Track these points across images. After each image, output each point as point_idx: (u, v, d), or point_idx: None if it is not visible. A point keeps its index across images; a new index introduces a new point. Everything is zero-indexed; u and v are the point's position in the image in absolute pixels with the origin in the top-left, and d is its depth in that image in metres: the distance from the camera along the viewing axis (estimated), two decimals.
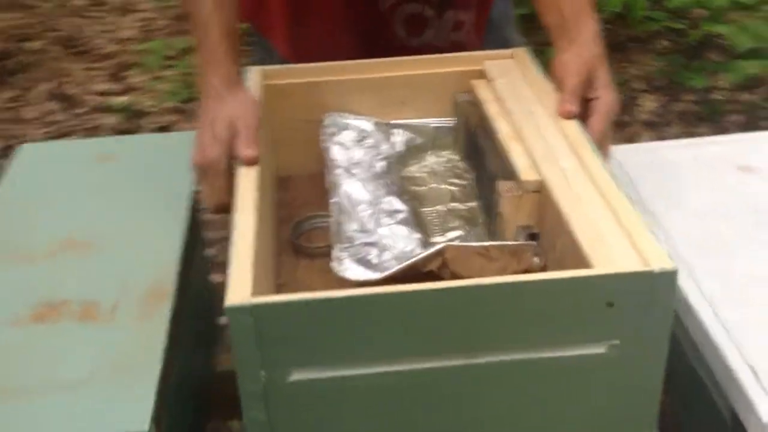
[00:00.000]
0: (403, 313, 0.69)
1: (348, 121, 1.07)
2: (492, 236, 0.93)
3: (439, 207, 1.01)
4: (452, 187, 1.04)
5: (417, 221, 0.95)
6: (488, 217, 0.97)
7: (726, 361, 0.83)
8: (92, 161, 1.18)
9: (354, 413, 0.72)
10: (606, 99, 0.95)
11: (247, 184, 0.86)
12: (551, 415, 0.74)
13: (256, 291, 0.68)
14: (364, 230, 0.92)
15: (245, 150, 0.90)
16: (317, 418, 0.72)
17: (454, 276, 0.86)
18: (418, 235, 0.92)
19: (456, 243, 0.85)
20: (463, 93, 1.07)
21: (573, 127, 0.92)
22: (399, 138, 1.08)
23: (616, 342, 0.71)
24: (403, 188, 1.01)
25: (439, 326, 0.70)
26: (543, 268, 0.86)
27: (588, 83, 0.95)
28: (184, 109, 2.59)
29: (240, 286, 0.69)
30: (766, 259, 0.95)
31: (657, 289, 0.69)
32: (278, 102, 1.05)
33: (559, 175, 0.84)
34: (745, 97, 2.58)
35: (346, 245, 0.88)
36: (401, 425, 0.73)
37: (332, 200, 0.93)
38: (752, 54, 2.34)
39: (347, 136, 1.05)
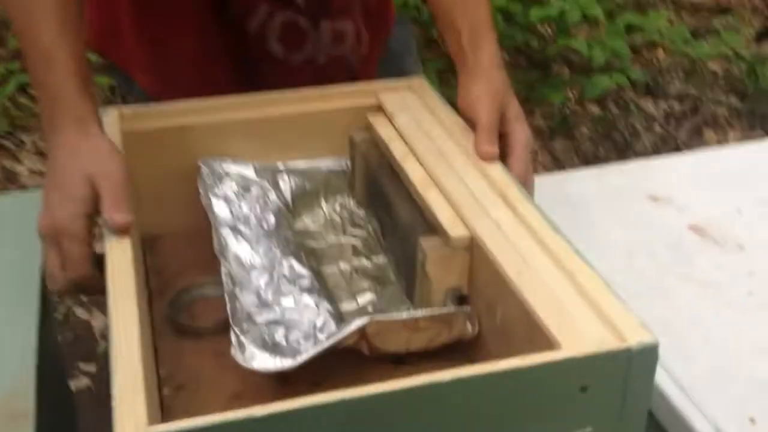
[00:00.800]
0: (343, 425, 0.55)
1: (227, 167, 0.91)
2: (411, 298, 0.81)
3: (342, 265, 0.87)
4: (353, 239, 0.91)
5: (321, 286, 0.81)
6: (400, 275, 0.84)
7: (687, 422, 0.74)
8: None
9: None
10: (521, 134, 0.85)
11: (120, 257, 0.70)
12: None
13: (153, 417, 0.53)
14: (263, 304, 0.77)
15: (115, 214, 0.73)
16: None
17: (373, 350, 0.73)
18: (327, 305, 0.78)
19: (380, 316, 0.72)
20: (360, 130, 0.94)
21: (495, 168, 0.81)
22: (286, 185, 0.94)
23: (589, 430, 0.60)
24: (299, 246, 0.87)
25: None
26: (476, 336, 0.74)
27: (500, 118, 0.85)
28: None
29: (130, 413, 0.53)
30: (695, 299, 0.88)
31: (636, 366, 0.59)
32: (140, 149, 0.88)
33: (491, 228, 0.73)
34: (595, 110, 2.59)
35: (246, 326, 0.73)
36: None
37: (222, 269, 0.78)
38: (606, 68, 2.35)
39: (229, 187, 0.89)
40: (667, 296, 0.88)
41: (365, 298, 0.83)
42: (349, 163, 0.96)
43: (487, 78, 0.87)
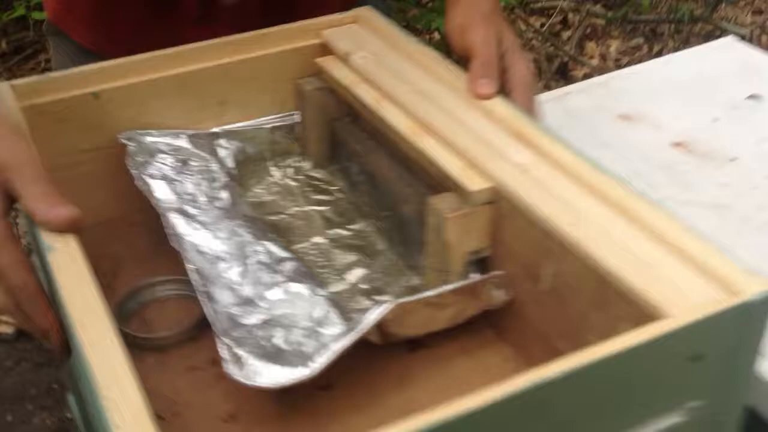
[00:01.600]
0: None
1: (156, 139, 0.75)
2: (414, 267, 0.68)
3: (316, 240, 0.74)
4: (319, 208, 0.77)
5: (304, 267, 0.67)
6: (393, 243, 0.71)
7: None
8: None
9: None
10: (521, 68, 0.73)
11: (70, 265, 0.54)
12: None
13: None
14: (244, 301, 0.62)
15: (56, 209, 0.56)
16: None
17: (387, 337, 0.60)
18: (320, 291, 0.64)
19: (403, 300, 0.58)
20: (309, 78, 0.79)
21: (498, 104, 0.68)
22: (226, 152, 0.79)
23: (698, 404, 0.50)
24: (265, 223, 0.72)
25: None
26: (509, 303, 0.63)
27: (499, 52, 0.72)
28: None
29: None
30: (707, 225, 0.79)
31: (752, 321, 0.49)
32: (43, 127, 0.71)
33: (516, 174, 0.61)
34: None
35: (235, 333, 0.58)
36: None
37: (187, 265, 0.62)
38: None
39: (164, 163, 0.73)
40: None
41: (355, 274, 0.70)
42: (297, 118, 0.81)
43: (480, 3, 0.74)
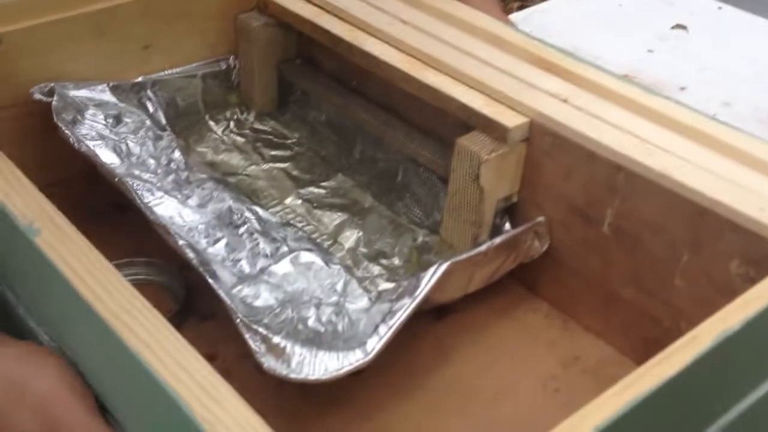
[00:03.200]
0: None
1: (76, 93, 0.60)
2: (420, 219, 0.59)
3: (290, 201, 0.62)
4: (282, 164, 0.66)
5: (300, 233, 0.56)
6: (384, 192, 0.62)
7: None
8: None
9: None
10: None
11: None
12: None
13: None
14: (247, 278, 0.50)
15: None
16: None
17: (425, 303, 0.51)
18: (335, 260, 0.53)
19: (456, 258, 0.49)
20: (251, 13, 0.67)
21: (507, 31, 0.60)
22: (155, 105, 0.65)
23: None
24: (228, 186, 0.60)
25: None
26: (543, 254, 0.55)
27: None
28: None
29: None
30: None
31: None
32: None
33: (555, 105, 0.53)
34: None
35: (264, 318, 0.47)
36: None
37: (180, 241, 0.49)
38: None
39: (99, 119, 0.59)
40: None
41: (349, 236, 0.59)
42: (234, 62, 0.69)
43: None
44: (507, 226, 0.55)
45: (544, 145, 0.52)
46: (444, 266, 0.47)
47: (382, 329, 0.45)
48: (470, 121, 0.54)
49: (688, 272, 0.47)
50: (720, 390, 0.39)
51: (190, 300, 0.55)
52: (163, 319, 0.39)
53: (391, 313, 0.46)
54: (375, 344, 0.45)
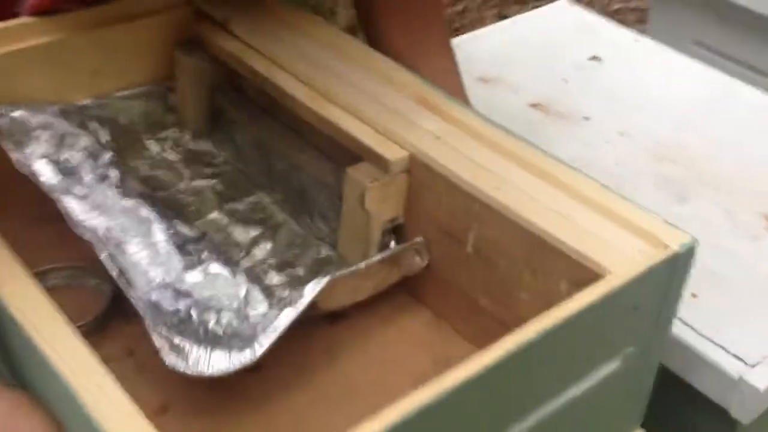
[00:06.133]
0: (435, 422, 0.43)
1: (25, 115, 0.69)
2: (323, 238, 0.68)
3: (212, 216, 0.71)
4: (209, 181, 0.74)
5: (213, 245, 0.65)
6: (296, 213, 0.70)
7: None
8: None
9: None
10: None
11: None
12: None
13: None
14: (163, 286, 0.59)
15: None
16: None
17: (312, 311, 0.60)
18: (239, 269, 0.62)
19: (339, 274, 0.58)
20: (187, 45, 0.75)
21: (401, 71, 0.69)
22: (97, 126, 0.74)
23: (631, 349, 0.54)
24: (155, 200, 0.69)
25: (468, 415, 0.46)
26: (425, 267, 0.64)
27: None
28: None
29: None
30: None
31: (678, 270, 0.53)
32: None
33: (431, 141, 0.62)
34: None
35: (169, 320, 0.56)
36: None
37: (101, 253, 0.58)
38: None
39: (42, 140, 0.67)
40: None
41: (261, 249, 0.68)
42: (170, 88, 0.77)
43: None
44: (392, 244, 0.64)
45: (421, 176, 0.61)
46: (324, 281, 0.56)
47: (270, 333, 0.54)
48: (358, 151, 0.62)
49: (529, 288, 0.56)
50: (519, 394, 0.48)
51: (118, 303, 0.63)
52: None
53: (279, 319, 0.55)
54: (263, 345, 0.54)
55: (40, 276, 0.64)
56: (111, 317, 0.63)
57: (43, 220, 0.65)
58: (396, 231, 0.65)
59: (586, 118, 0.93)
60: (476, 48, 1.04)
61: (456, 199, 0.59)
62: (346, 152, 0.64)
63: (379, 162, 0.61)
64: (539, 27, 1.09)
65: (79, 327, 0.60)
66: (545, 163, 0.59)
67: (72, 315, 0.61)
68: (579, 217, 0.55)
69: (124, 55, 0.74)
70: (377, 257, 0.60)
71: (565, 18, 1.11)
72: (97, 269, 0.63)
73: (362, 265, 0.59)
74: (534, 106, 0.95)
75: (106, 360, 0.60)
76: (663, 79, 1.00)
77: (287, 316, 0.55)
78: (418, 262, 0.63)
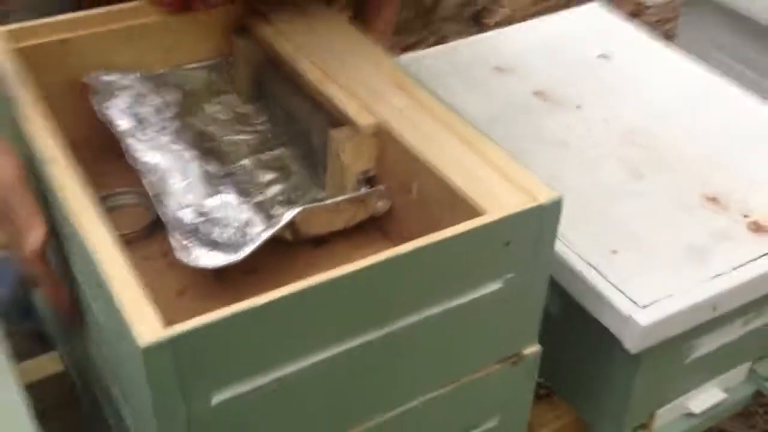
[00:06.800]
0: (320, 304, 0.64)
1: (114, 79, 0.93)
2: (320, 184, 0.89)
3: (243, 162, 0.93)
4: (245, 137, 0.97)
5: (233, 183, 0.87)
6: (304, 165, 0.91)
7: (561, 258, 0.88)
8: None
9: (280, 415, 0.66)
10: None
11: (66, 183, 0.71)
12: (458, 348, 0.74)
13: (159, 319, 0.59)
14: (188, 207, 0.82)
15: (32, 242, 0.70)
16: None
17: (297, 235, 0.81)
18: (246, 200, 0.84)
19: (309, 206, 0.79)
20: (241, 31, 0.97)
21: (388, 61, 0.89)
22: (170, 89, 0.97)
23: (511, 275, 0.72)
24: (202, 148, 0.92)
25: (353, 307, 0.66)
26: (389, 210, 0.84)
27: None
28: None
29: (143, 319, 0.58)
30: (550, 158, 1.01)
31: (548, 219, 0.71)
32: (28, 66, 0.88)
33: (395, 114, 0.81)
34: None
35: (184, 229, 0.78)
36: (330, 408, 0.69)
37: (143, 179, 0.81)
38: None
39: (122, 98, 0.91)
40: (527, 158, 1.01)
41: (274, 188, 0.90)
42: (229, 63, 1.00)
43: None
44: (363, 190, 0.84)
45: (384, 139, 0.81)
46: (295, 211, 0.77)
47: (251, 244, 0.76)
48: (343, 119, 0.83)
49: (444, 222, 0.75)
50: (409, 292, 0.67)
51: (160, 220, 0.86)
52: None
53: (260, 235, 0.77)
54: (245, 252, 0.75)
55: (115, 196, 0.89)
56: (154, 230, 0.86)
57: (112, 158, 0.89)
58: (370, 182, 0.85)
59: (578, 107, 1.10)
60: (501, 42, 1.22)
61: (406, 159, 0.79)
62: (335, 119, 0.84)
63: (354, 126, 0.81)
64: (563, 26, 1.26)
65: (129, 234, 0.84)
66: (471, 135, 0.78)
67: (125, 226, 0.86)
68: (483, 174, 0.74)
69: (193, 36, 0.97)
70: (345, 197, 0.81)
71: (589, 19, 1.27)
72: (147, 195, 0.87)
73: (330, 201, 0.80)
74: (536, 93, 1.12)
75: (146, 258, 0.84)
76: (658, 76, 1.15)
77: (267, 232, 0.76)
78: (383, 205, 0.83)
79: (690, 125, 1.07)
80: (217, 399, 0.62)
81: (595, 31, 1.24)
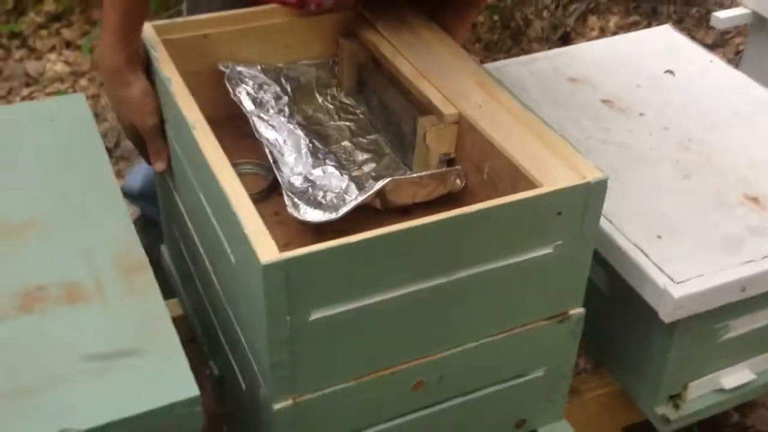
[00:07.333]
0: (402, 248, 0.80)
1: (242, 69, 1.11)
2: (407, 164, 1.05)
3: (344, 143, 1.10)
4: (347, 123, 1.14)
5: (336, 159, 1.04)
6: (395, 148, 1.08)
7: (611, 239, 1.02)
8: None
9: (361, 337, 0.82)
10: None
11: (208, 144, 0.90)
12: (512, 301, 0.89)
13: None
14: (299, 174, 0.99)
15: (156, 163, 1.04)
16: (331, 348, 0.81)
17: (385, 204, 0.97)
18: (346, 173, 1.01)
19: (397, 177, 0.96)
20: (348, 35, 1.15)
21: (471, 62, 1.04)
22: (287, 81, 1.15)
23: (560, 242, 0.87)
24: (310, 129, 1.09)
25: (428, 253, 0.81)
26: (464, 188, 0.99)
27: None
28: None
29: (264, 244, 0.76)
30: (612, 156, 1.15)
31: (594, 195, 0.86)
32: (171, 54, 1.07)
33: (474, 107, 0.97)
34: None
35: (296, 191, 0.96)
36: (401, 338, 0.85)
37: (266, 149, 0.99)
38: None
39: (250, 85, 1.10)
40: (592, 156, 1.15)
41: (368, 166, 1.07)
42: (335, 62, 1.17)
43: None
44: (443, 168, 1.00)
45: (464, 127, 0.97)
46: (386, 180, 0.93)
47: (346, 206, 0.92)
48: (430, 108, 0.99)
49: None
50: (471, 246, 0.83)
51: (277, 185, 1.04)
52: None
53: (355, 199, 0.93)
54: (340, 212, 0.92)
55: (235, 165, 1.07)
56: (271, 193, 1.03)
57: (241, 134, 1.07)
58: (450, 163, 1.01)
59: (641, 114, 1.23)
60: (576, 55, 1.36)
61: (480, 144, 0.94)
62: (424, 109, 1.01)
63: (439, 115, 0.98)
64: (635, 43, 1.39)
65: (251, 195, 1.02)
66: (537, 125, 0.93)
67: (248, 187, 1.03)
68: (542, 156, 0.89)
69: (310, 36, 1.15)
70: (427, 172, 0.97)
71: (660, 39, 1.40)
72: (268, 164, 1.05)
73: (414, 175, 0.96)
74: (605, 101, 1.26)
75: (262, 216, 1.01)
76: (717, 92, 1.27)
77: (359, 198, 0.93)
78: (459, 183, 0.99)
79: (741, 137, 1.19)
80: (314, 316, 0.78)
81: (664, 50, 1.37)
